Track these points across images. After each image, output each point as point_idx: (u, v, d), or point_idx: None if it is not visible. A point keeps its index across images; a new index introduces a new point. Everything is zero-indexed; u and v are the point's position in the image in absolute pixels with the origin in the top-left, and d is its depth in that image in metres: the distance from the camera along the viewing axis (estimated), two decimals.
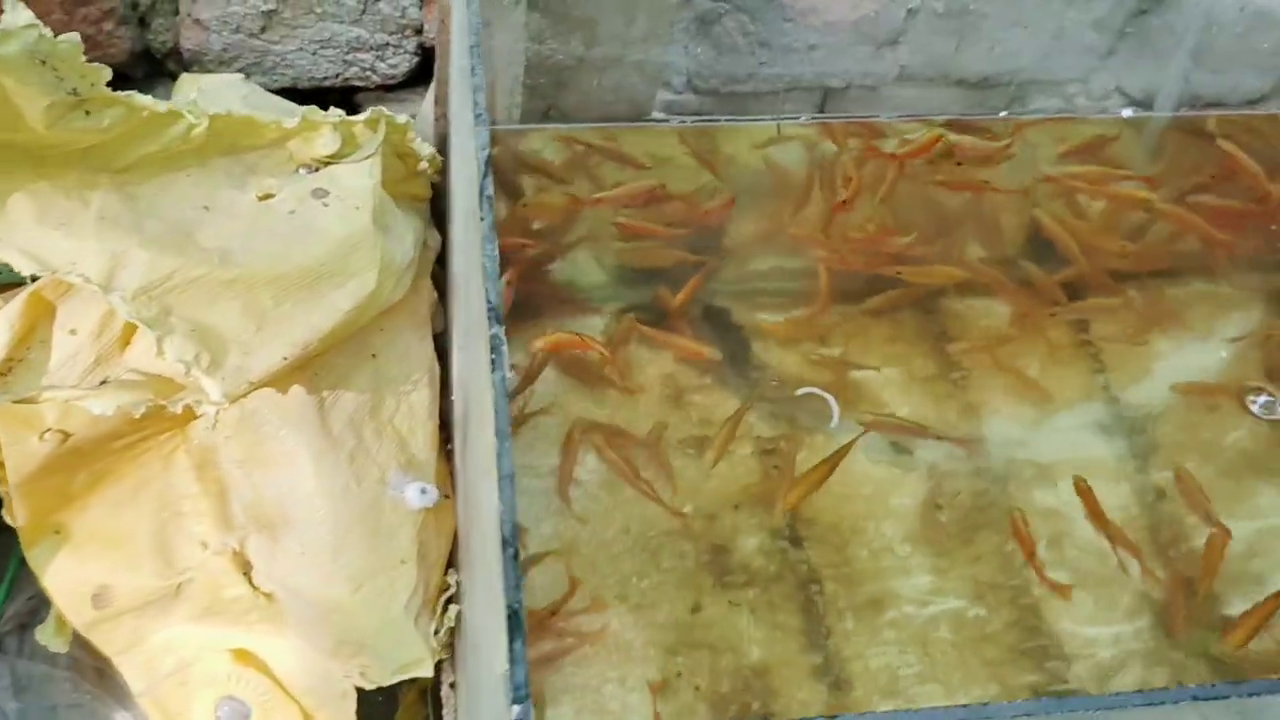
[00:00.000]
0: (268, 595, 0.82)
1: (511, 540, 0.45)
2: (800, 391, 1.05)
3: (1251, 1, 1.16)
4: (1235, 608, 0.96)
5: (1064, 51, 1.20)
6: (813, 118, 1.17)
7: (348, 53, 1.08)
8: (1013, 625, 0.96)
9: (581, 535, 0.96)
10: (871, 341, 1.10)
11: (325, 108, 1.18)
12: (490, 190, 0.53)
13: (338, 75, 1.10)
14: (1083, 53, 1.20)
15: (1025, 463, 1.04)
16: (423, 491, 0.83)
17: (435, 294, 0.96)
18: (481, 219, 0.52)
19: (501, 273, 0.98)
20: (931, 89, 1.23)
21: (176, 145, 0.72)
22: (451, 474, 0.89)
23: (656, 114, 1.15)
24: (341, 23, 1.06)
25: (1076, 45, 1.19)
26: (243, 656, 0.85)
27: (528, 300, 1.06)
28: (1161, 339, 1.13)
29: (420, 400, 0.87)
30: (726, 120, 1.14)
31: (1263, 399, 1.06)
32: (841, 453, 1.00)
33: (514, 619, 0.43)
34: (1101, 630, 0.96)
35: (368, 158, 0.79)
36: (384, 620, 0.79)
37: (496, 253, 0.51)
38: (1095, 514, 1.00)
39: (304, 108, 0.85)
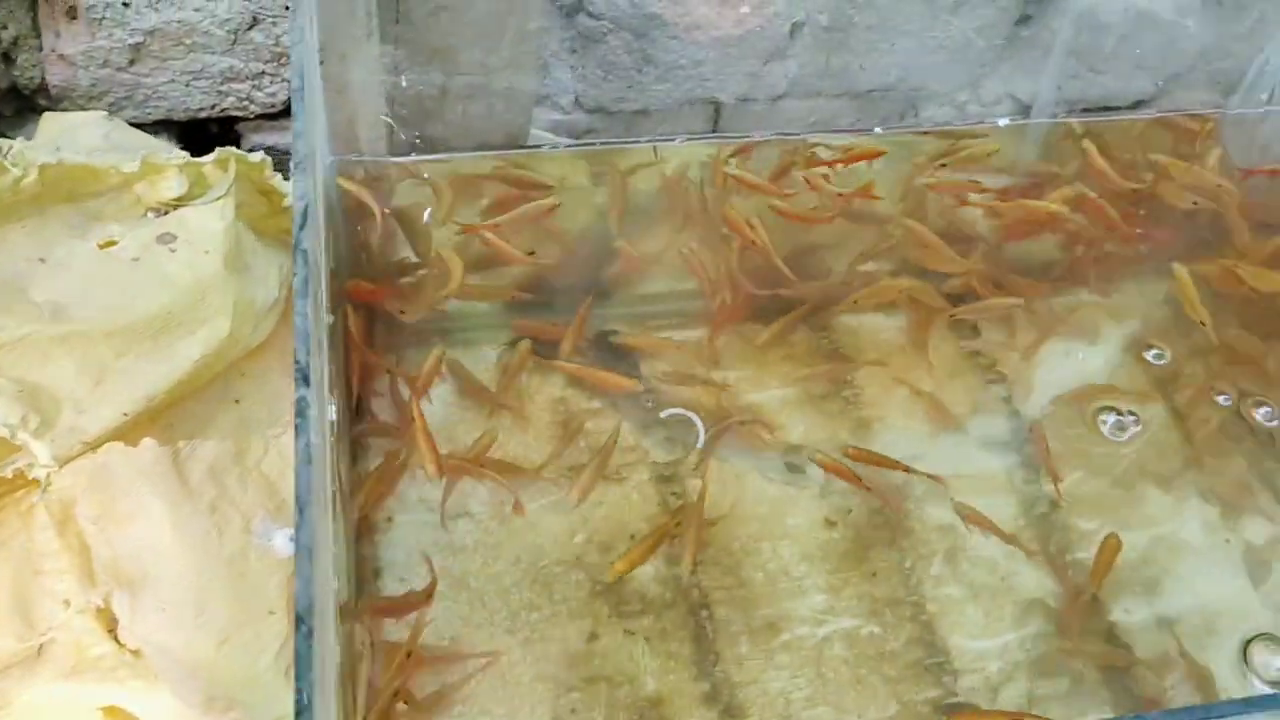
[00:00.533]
0: (134, 652, 0.80)
1: (306, 618, 0.43)
2: (665, 414, 1.04)
3: (1134, 3, 1.17)
4: (1127, 615, 0.97)
5: (951, 60, 1.20)
6: (689, 137, 1.16)
7: (222, 83, 1.06)
8: (908, 642, 0.96)
9: (470, 568, 0.95)
10: (766, 362, 1.10)
11: (207, 139, 1.16)
12: (306, 244, 0.51)
13: (214, 106, 1.08)
14: (970, 61, 1.20)
15: (919, 478, 1.04)
16: (292, 538, 0.81)
17: None
18: (295, 274, 0.51)
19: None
20: (824, 101, 1.22)
21: (7, 197, 0.70)
22: None
23: (545, 135, 1.13)
24: (213, 53, 1.03)
25: (963, 53, 1.19)
26: (114, 713, 0.82)
27: (418, 333, 1.05)
28: (1056, 349, 1.13)
29: (291, 442, 0.85)
30: (602, 145, 1.12)
31: (1111, 419, 1.07)
32: (667, 527, 0.97)
33: (301, 708, 0.41)
34: (992, 642, 0.96)
35: (219, 199, 0.77)
36: (252, 673, 0.77)
37: (311, 310, 0.50)
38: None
39: (148, 148, 0.82)
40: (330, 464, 0.72)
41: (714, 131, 1.22)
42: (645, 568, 0.97)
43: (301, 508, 0.47)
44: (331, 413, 0.75)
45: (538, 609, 0.94)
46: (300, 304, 0.50)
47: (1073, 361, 1.12)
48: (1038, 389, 1.09)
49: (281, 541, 0.80)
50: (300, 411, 0.48)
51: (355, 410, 0.99)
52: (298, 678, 0.42)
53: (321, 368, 0.63)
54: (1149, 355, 1.13)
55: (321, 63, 0.72)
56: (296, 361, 0.50)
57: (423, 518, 0.97)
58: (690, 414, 1.03)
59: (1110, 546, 0.99)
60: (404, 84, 0.92)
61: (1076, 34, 1.18)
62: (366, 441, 0.99)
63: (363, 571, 0.91)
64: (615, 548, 0.98)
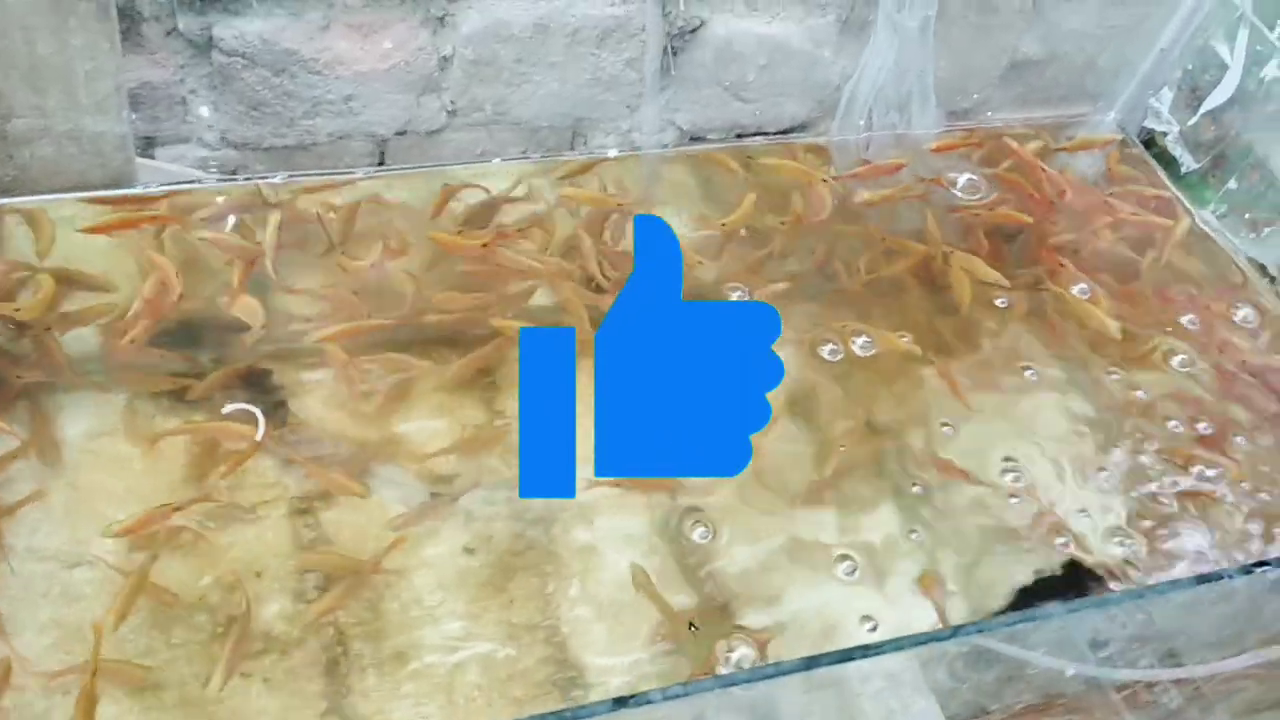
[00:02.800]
0: None
1: None
2: (227, 409, 1.04)
3: (768, 36, 1.22)
4: (749, 619, 1.01)
5: (606, 91, 1.23)
6: (289, 175, 1.17)
7: None
8: (541, 661, 0.97)
9: (89, 617, 0.92)
10: (420, 393, 1.11)
11: None
12: None
13: None
14: (624, 92, 1.24)
15: (562, 502, 1.06)
16: None
17: None
18: None
19: None
20: (488, 132, 1.24)
21: None
22: None
23: (194, 171, 1.12)
24: None
25: (616, 85, 1.23)
26: None
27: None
28: None
29: None
30: (187, 185, 1.12)
31: None
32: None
33: None
34: (620, 659, 0.98)
35: None
36: None
37: None
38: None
39: None
40: None
41: (380, 165, 1.23)
42: (271, 605, 0.97)
43: None
44: None
45: (154, 654, 0.93)
46: None
47: None
48: None
49: None
50: None
51: None
52: None
53: None
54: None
55: None
56: None
57: (34, 567, 0.95)
58: (251, 408, 1.04)
59: None
60: None
61: (720, 65, 1.23)
62: None
63: None
64: (240, 588, 0.97)
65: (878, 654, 0.86)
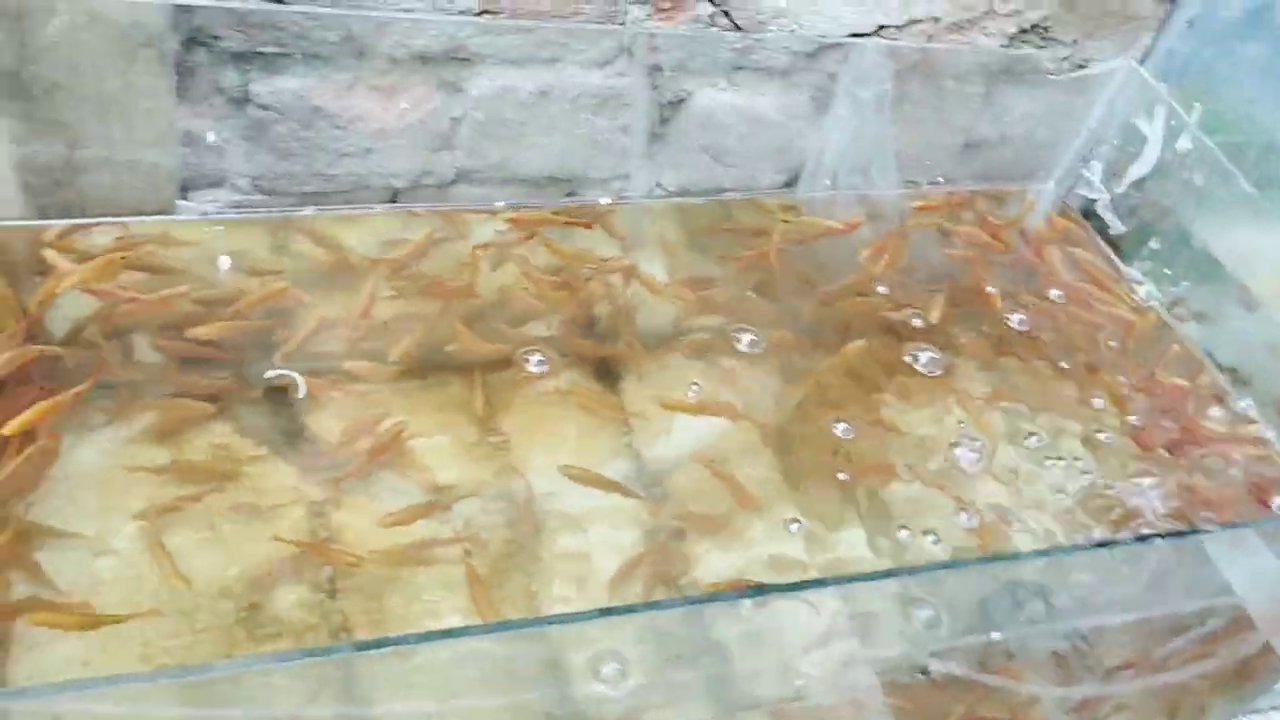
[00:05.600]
0: None
1: None
2: (268, 374, 1.17)
3: (746, 109, 1.37)
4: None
5: (601, 153, 1.37)
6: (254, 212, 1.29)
7: None
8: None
9: (110, 602, 1.01)
10: (421, 410, 1.21)
11: None
12: None
13: None
14: (618, 154, 1.38)
15: (554, 513, 1.16)
16: None
17: None
18: None
19: None
20: (494, 186, 1.37)
21: None
22: None
23: (208, 209, 1.25)
24: None
25: (611, 148, 1.37)
26: None
27: None
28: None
29: None
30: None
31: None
32: None
33: None
34: None
35: None
36: None
37: None
38: None
39: None
40: None
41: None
42: (288, 594, 1.05)
43: None
44: None
45: (177, 637, 1.01)
46: None
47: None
48: (659, 439, 1.25)
49: None
50: None
51: None
52: None
53: None
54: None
55: None
56: None
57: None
58: (293, 373, 1.16)
59: None
60: (28, 154, 1.00)
61: (703, 133, 1.37)
62: None
63: None
64: (263, 582, 1.06)
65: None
